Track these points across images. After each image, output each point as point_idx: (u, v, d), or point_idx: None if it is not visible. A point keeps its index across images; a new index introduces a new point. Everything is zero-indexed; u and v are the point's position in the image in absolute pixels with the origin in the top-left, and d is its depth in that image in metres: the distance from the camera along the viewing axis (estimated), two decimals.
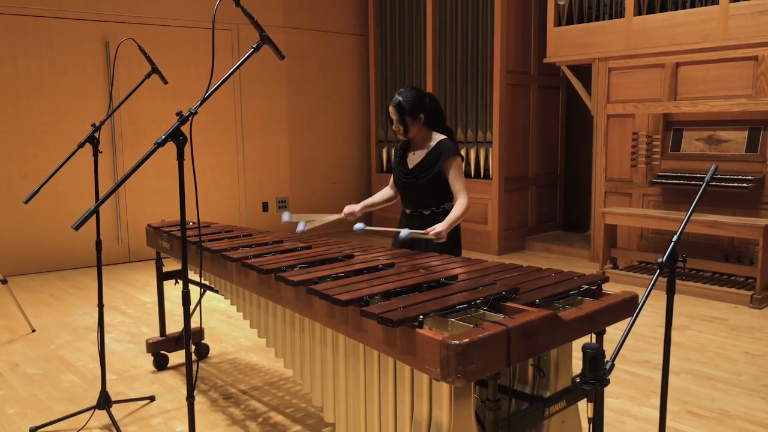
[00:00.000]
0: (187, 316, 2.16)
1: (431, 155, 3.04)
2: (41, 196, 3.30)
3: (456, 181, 3.03)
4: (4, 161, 5.92)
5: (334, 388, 2.13)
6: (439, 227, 2.83)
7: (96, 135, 2.86)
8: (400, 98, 3.00)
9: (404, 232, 2.76)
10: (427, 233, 2.80)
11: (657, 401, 3.14)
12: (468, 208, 2.99)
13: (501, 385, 1.74)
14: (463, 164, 3.12)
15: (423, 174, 3.04)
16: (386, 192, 3.33)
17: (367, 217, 2.68)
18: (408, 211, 3.16)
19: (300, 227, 2.97)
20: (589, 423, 1.67)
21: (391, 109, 3.04)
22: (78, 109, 6.21)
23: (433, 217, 3.05)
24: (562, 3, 6.18)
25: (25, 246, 6.07)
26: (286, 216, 3.04)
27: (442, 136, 3.08)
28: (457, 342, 1.52)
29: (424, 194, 3.07)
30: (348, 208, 3.19)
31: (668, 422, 2.86)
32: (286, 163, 7.67)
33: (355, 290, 1.97)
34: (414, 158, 3.11)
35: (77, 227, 1.80)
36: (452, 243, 3.00)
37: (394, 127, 3.07)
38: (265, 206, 7.55)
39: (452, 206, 3.08)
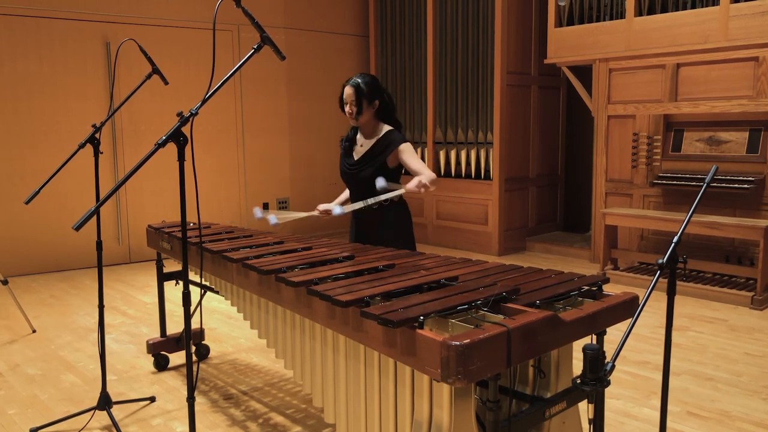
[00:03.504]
0: (188, 316, 2.16)
1: (378, 145, 3.02)
2: (42, 196, 3.30)
3: (414, 163, 2.97)
4: (4, 161, 5.92)
5: (335, 389, 2.13)
6: (421, 180, 2.69)
7: (97, 136, 2.86)
8: (359, 80, 2.99)
9: (380, 183, 2.73)
10: (405, 187, 2.75)
11: (657, 402, 3.14)
12: (436, 178, 2.89)
13: (501, 386, 1.74)
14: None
15: (368, 164, 3.02)
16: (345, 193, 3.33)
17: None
18: None
19: (272, 221, 3.03)
20: (590, 424, 1.67)
21: (347, 89, 2.99)
22: (78, 110, 6.21)
23: (380, 210, 3.00)
24: (562, 4, 6.18)
25: (25, 246, 6.07)
26: (257, 213, 3.11)
27: (390, 127, 3.06)
28: (458, 343, 1.52)
29: (369, 186, 2.97)
30: (323, 206, 3.16)
31: (669, 423, 2.86)
32: (287, 163, 7.67)
33: (356, 291, 1.97)
34: (361, 149, 3.10)
35: (78, 228, 1.80)
36: (406, 239, 3.02)
37: (346, 109, 3.01)
38: (265, 207, 7.55)
39: (399, 198, 3.06)
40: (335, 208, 2.94)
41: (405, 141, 3.01)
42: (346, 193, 3.31)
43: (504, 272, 2.28)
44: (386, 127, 3.07)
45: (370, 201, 2.90)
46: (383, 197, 2.85)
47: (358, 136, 3.14)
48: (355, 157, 3.10)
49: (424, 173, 2.82)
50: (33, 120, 6.03)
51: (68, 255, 6.28)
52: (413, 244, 3.12)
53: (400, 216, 3.13)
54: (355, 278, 2.19)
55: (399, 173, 3.09)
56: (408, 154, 3.00)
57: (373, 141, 3.06)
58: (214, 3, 6.35)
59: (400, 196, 3.04)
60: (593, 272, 5.26)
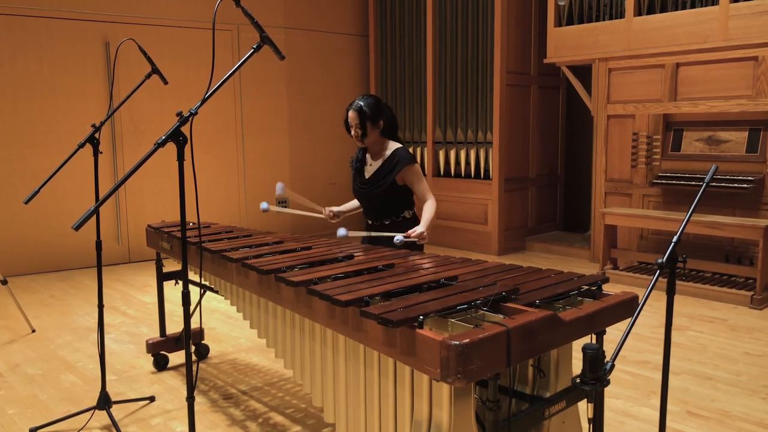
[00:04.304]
0: (187, 316, 2.16)
1: (387, 164, 3.08)
2: (41, 196, 3.32)
3: (419, 186, 3.09)
4: (4, 161, 5.92)
5: (334, 389, 2.13)
6: (420, 229, 2.89)
7: (96, 135, 2.86)
8: (362, 103, 3.02)
9: (398, 238, 2.80)
10: (409, 236, 2.85)
11: (657, 402, 3.14)
12: (436, 207, 3.07)
13: (501, 386, 1.74)
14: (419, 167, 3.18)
15: (379, 183, 3.08)
16: (356, 201, 3.37)
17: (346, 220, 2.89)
18: (369, 222, 3.21)
19: (279, 192, 3.15)
20: (589, 423, 1.67)
21: (351, 113, 3.03)
22: (78, 110, 6.21)
23: (393, 226, 3.10)
24: (562, 3, 6.18)
25: (25, 246, 6.07)
26: (264, 205, 3.22)
27: (398, 145, 3.11)
28: (457, 342, 1.52)
29: (382, 203, 3.11)
30: (329, 209, 3.27)
31: (668, 423, 2.86)
32: (287, 163, 7.67)
33: (356, 291, 1.97)
34: (370, 168, 3.15)
35: (77, 227, 1.80)
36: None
37: (352, 132, 3.07)
38: (280, 203, 7.54)
39: (412, 214, 3.16)
40: (340, 230, 2.92)
41: (413, 161, 3.07)
42: (355, 201, 3.34)
43: (504, 272, 2.28)
44: (393, 146, 3.11)
45: (384, 233, 3.02)
46: (390, 234, 2.94)
47: (367, 155, 3.19)
48: (366, 176, 3.15)
49: (428, 199, 3.05)
50: (33, 120, 6.03)
51: (68, 255, 6.28)
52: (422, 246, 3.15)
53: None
54: (355, 278, 2.19)
55: (410, 191, 3.14)
56: (416, 176, 3.07)
57: (381, 161, 3.10)
58: (214, 3, 6.35)
59: (413, 212, 3.19)
60: (593, 272, 5.26)
